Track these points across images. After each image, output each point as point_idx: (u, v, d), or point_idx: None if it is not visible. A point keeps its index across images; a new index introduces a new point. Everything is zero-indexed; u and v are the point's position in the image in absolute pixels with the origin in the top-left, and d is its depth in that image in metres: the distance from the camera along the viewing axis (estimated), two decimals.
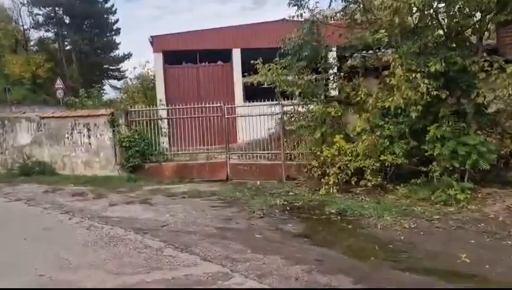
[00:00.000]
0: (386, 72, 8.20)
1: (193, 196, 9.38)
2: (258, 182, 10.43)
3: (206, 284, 4.53)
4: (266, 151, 11.53)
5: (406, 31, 8.24)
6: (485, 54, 7.80)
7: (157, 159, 12.18)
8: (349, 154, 8.72)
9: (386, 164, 8.40)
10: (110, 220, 7.38)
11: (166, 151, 12.50)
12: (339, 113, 9.30)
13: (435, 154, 7.62)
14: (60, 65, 36.50)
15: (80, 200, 9.31)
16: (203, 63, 20.24)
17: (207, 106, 12.03)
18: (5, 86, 28.70)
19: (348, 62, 10.02)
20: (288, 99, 11.33)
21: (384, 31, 7.45)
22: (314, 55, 9.41)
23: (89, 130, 12.55)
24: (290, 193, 9.15)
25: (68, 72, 36.39)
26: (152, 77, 25.70)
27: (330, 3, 9.50)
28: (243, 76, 17.13)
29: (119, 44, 42.75)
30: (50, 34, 40.07)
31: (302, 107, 10.14)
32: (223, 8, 71.55)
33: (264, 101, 11.78)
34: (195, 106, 12.35)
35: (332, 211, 7.42)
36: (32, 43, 40.79)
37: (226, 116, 11.82)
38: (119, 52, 42.78)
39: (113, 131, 12.17)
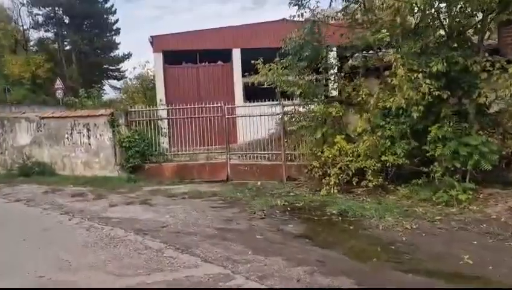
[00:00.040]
0: (387, 72, 8.18)
1: (193, 197, 9.34)
2: (259, 183, 10.40)
3: (207, 285, 4.50)
4: (267, 152, 11.50)
5: (407, 31, 8.22)
6: (486, 54, 7.75)
7: (157, 159, 12.14)
8: (350, 155, 8.68)
9: (387, 165, 8.37)
10: (110, 221, 7.34)
11: (166, 152, 12.46)
12: (340, 114, 9.26)
13: (436, 154, 7.59)
14: (60, 65, 36.43)
15: (80, 201, 9.28)
16: (203, 63, 20.18)
17: (207, 106, 12.00)
18: (4, 86, 28.65)
19: (349, 62, 9.99)
20: (288, 99, 11.31)
21: (386, 30, 7.41)
22: (315, 55, 9.38)
23: (88, 130, 12.52)
24: (291, 194, 9.12)
25: (68, 72, 36.33)
26: (152, 77, 25.65)
27: (331, 3, 9.50)
28: (243, 76, 17.08)
29: (119, 44, 42.72)
30: (50, 34, 40.04)
31: (303, 107, 10.11)
32: (223, 8, 71.57)
33: (264, 101, 11.74)
34: (196, 106, 12.31)
35: (334, 211, 7.39)
36: (31, 43, 40.73)
37: (227, 117, 11.79)
38: (119, 52, 42.77)
39: (113, 131, 12.13)
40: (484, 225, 6.18)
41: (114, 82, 42.69)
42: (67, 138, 12.78)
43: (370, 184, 8.34)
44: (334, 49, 10.93)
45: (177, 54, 19.47)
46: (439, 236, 5.90)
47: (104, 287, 4.59)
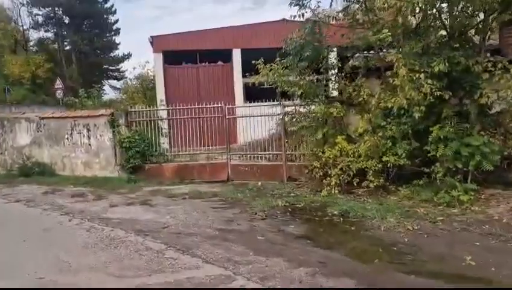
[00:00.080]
0: (389, 73, 8.16)
1: (194, 197, 9.31)
2: (259, 183, 10.37)
3: (208, 287, 4.47)
4: (267, 152, 11.48)
5: (408, 31, 8.20)
6: (488, 55, 7.73)
7: (157, 159, 12.11)
8: (351, 155, 8.66)
9: (388, 165, 8.35)
10: (111, 222, 7.31)
11: (166, 152, 12.42)
12: (341, 114, 9.22)
13: (437, 155, 7.56)
14: (60, 65, 36.41)
15: (80, 202, 9.24)
16: (203, 63, 20.15)
17: (208, 106, 11.97)
18: (4, 86, 28.63)
19: (350, 62, 9.96)
20: (289, 99, 11.28)
21: (387, 30, 7.38)
22: (316, 56, 9.36)
23: (88, 130, 12.48)
24: (292, 194, 9.09)
25: (68, 72, 36.31)
26: (152, 77, 25.62)
27: (331, 3, 9.47)
28: (244, 76, 17.06)
29: (118, 44, 42.70)
30: (49, 34, 40.01)
31: (304, 107, 10.08)
32: (222, 8, 71.54)
33: (264, 101, 11.71)
34: (196, 106, 12.29)
35: (335, 212, 7.36)
36: (31, 43, 40.71)
37: (227, 117, 11.76)
38: (119, 52, 42.75)
39: (113, 131, 12.10)
40: (486, 226, 6.15)
41: (114, 82, 42.74)
42: (67, 138, 12.75)
43: (371, 185, 8.31)
44: (335, 49, 10.90)
45: (177, 54, 19.44)
46: (441, 237, 5.87)
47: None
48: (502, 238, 5.63)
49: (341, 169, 8.66)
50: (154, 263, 5.20)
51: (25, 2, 38.12)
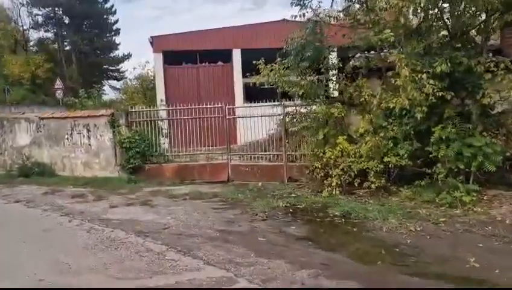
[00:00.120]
0: (390, 73, 8.12)
1: (194, 198, 9.27)
2: (260, 184, 10.33)
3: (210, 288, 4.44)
4: (268, 153, 11.44)
5: (409, 31, 8.17)
6: (490, 55, 7.70)
7: (157, 160, 12.06)
8: (353, 156, 8.62)
9: (390, 166, 8.31)
10: (111, 223, 7.27)
11: (166, 152, 12.38)
12: (342, 114, 9.19)
13: (439, 155, 7.54)
14: (60, 65, 36.37)
15: (80, 202, 9.20)
16: (203, 64, 20.10)
17: (208, 106, 11.93)
18: (4, 86, 28.58)
19: (351, 62, 9.93)
20: (289, 99, 11.24)
21: (389, 31, 7.34)
22: (317, 56, 9.32)
23: (88, 130, 12.43)
24: (293, 195, 9.05)
25: (68, 72, 36.27)
26: (152, 78, 25.59)
27: (332, 3, 9.45)
28: (245, 76, 17.02)
29: (118, 44, 42.67)
30: (49, 35, 39.97)
31: (305, 108, 10.04)
32: (222, 8, 71.52)
33: (264, 101, 11.67)
34: (196, 106, 12.25)
35: (336, 213, 7.32)
36: (31, 43, 40.68)
37: (227, 117, 11.72)
38: (119, 52, 42.73)
39: (113, 132, 12.05)
40: (489, 227, 6.12)
41: (114, 82, 42.75)
42: (67, 139, 12.71)
43: (372, 185, 8.27)
44: (335, 49, 10.86)
45: (177, 54, 19.40)
46: (444, 238, 5.84)
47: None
48: (506, 240, 5.59)
49: (342, 170, 8.62)
50: (155, 265, 5.16)
51: (24, 2, 38.16)
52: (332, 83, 10.21)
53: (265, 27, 18.86)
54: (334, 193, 8.57)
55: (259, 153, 11.62)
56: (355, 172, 8.50)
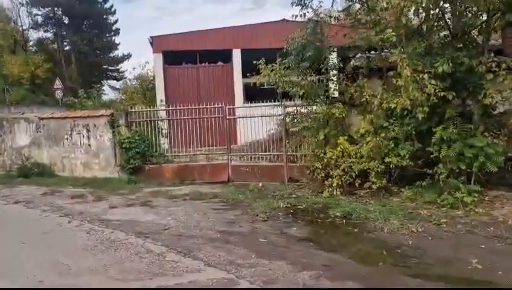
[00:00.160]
0: (391, 73, 8.09)
1: (194, 198, 9.23)
2: (260, 184, 10.29)
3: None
4: (268, 153, 11.40)
5: (411, 31, 8.14)
6: (492, 55, 7.67)
7: (157, 160, 12.03)
8: (353, 156, 8.61)
9: (391, 166, 8.28)
10: (111, 224, 7.23)
11: (166, 153, 12.34)
12: (343, 115, 9.18)
13: (440, 156, 7.51)
14: (59, 65, 36.30)
15: (80, 203, 9.15)
16: (203, 64, 20.06)
17: (208, 106, 11.90)
18: (3, 86, 28.52)
19: (352, 62, 9.90)
20: (289, 100, 11.22)
21: (391, 30, 7.31)
22: (318, 56, 9.29)
23: (88, 131, 12.39)
24: (293, 195, 9.03)
25: (67, 72, 36.21)
26: (151, 78, 25.54)
27: (333, 3, 9.43)
28: (245, 77, 16.99)
29: (118, 44, 42.60)
30: (49, 35, 39.88)
31: (305, 108, 10.01)
32: (222, 8, 71.48)
33: (264, 101, 11.64)
34: (196, 106, 12.21)
35: (337, 214, 7.29)
36: (31, 43, 40.58)
37: (228, 117, 11.69)
38: (119, 52, 42.66)
39: (113, 132, 12.00)
40: (491, 228, 6.09)
41: (113, 82, 42.64)
42: (67, 139, 12.66)
43: (373, 186, 8.25)
44: (335, 49, 10.83)
45: (177, 54, 19.36)
46: (446, 240, 5.81)
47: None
48: (508, 241, 5.56)
49: (343, 170, 8.60)
50: (155, 266, 5.12)
51: (24, 2, 38.05)
52: (333, 83, 10.18)
53: (265, 27, 18.82)
54: (334, 193, 8.55)
55: (260, 154, 11.59)
56: (356, 172, 8.48)
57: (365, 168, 8.39)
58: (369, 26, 8.74)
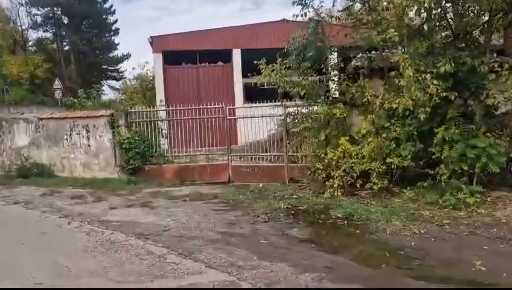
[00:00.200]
0: (393, 73, 8.05)
1: (195, 199, 9.18)
2: (261, 185, 10.24)
3: None
4: (269, 153, 11.36)
5: (412, 30, 8.10)
6: (494, 55, 7.63)
7: (157, 161, 11.98)
8: (355, 157, 8.56)
9: (392, 167, 8.24)
10: (111, 225, 7.18)
11: (166, 153, 12.29)
12: (344, 115, 9.13)
13: (442, 156, 7.46)
14: (59, 65, 36.22)
15: (79, 204, 9.10)
16: (203, 64, 20.04)
17: (208, 107, 11.85)
18: (3, 86, 28.44)
19: (353, 63, 9.85)
20: (289, 100, 11.17)
21: (393, 30, 7.26)
22: (319, 56, 9.23)
23: (88, 131, 12.33)
24: (294, 196, 8.98)
25: (66, 72, 36.12)
26: (151, 78, 25.49)
27: (334, 3, 9.38)
28: (245, 76, 16.94)
29: (118, 44, 42.54)
30: (48, 35, 39.78)
31: (306, 108, 9.96)
32: (222, 9, 71.40)
33: (264, 102, 11.60)
34: (197, 107, 12.17)
35: (339, 215, 7.24)
36: (30, 43, 40.46)
37: (228, 118, 11.64)
38: (118, 52, 42.57)
39: (113, 132, 11.95)
40: (494, 230, 6.04)
41: (113, 82, 42.54)
42: (66, 139, 12.61)
43: (375, 187, 8.20)
44: (336, 49, 10.78)
45: (177, 54, 19.33)
46: (448, 241, 5.76)
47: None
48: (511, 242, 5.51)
49: (344, 171, 8.55)
50: (156, 268, 5.07)
51: (23, 2, 37.92)
52: (334, 83, 10.13)
53: (265, 27, 18.80)
54: (336, 194, 8.51)
55: (260, 154, 11.54)
56: (358, 173, 8.44)
57: (366, 168, 8.35)
58: (370, 26, 8.69)
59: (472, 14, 7.89)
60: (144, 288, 4.51)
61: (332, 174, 8.74)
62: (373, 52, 9.74)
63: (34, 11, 38.49)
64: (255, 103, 11.83)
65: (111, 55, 42.92)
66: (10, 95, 28.12)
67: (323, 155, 8.95)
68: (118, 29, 42.04)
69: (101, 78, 43.15)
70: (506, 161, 7.39)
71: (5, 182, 12.25)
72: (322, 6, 9.32)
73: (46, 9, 38.47)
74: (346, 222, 6.91)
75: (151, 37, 19.51)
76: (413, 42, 7.77)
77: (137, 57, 47.09)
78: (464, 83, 7.69)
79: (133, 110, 12.49)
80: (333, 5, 9.51)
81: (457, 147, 7.31)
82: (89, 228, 7.06)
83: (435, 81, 6.97)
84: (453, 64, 7.10)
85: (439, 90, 7.01)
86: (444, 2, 7.82)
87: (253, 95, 16.08)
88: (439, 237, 5.88)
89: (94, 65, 41.05)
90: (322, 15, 9.34)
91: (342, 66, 10.06)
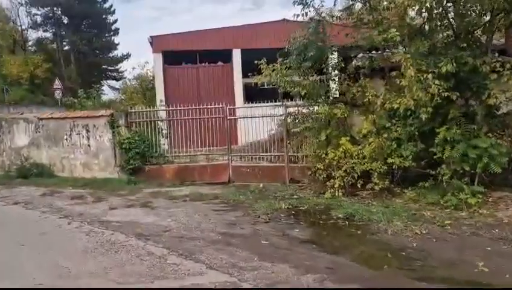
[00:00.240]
0: (394, 73, 8.02)
1: (195, 199, 9.15)
2: (261, 185, 10.22)
3: None
4: (269, 154, 11.33)
5: (414, 30, 8.07)
6: (496, 55, 7.60)
7: (157, 161, 11.96)
8: (356, 157, 8.53)
9: (393, 167, 8.21)
10: (111, 225, 7.14)
11: (166, 153, 12.26)
12: (345, 115, 9.10)
13: (444, 157, 7.43)
14: (58, 65, 36.17)
15: (79, 204, 9.07)
16: (203, 64, 20.00)
17: (209, 107, 11.83)
18: (2, 86, 28.40)
19: (353, 62, 9.82)
20: (290, 100, 11.14)
21: (395, 30, 7.23)
22: (320, 55, 9.20)
23: (88, 131, 12.30)
24: (295, 196, 8.95)
25: (66, 72, 36.07)
26: (151, 78, 25.46)
27: (335, 2, 9.35)
28: (246, 76, 16.91)
29: (117, 44, 42.49)
30: (48, 34, 39.71)
31: (307, 108, 9.93)
32: (222, 9, 71.39)
33: (264, 102, 11.57)
34: (197, 107, 12.14)
35: (340, 215, 7.21)
36: (30, 43, 40.41)
37: (228, 118, 11.61)
38: (118, 52, 42.54)
39: (113, 132, 11.92)
40: (496, 230, 6.01)
41: (113, 82, 42.48)
42: (66, 139, 12.57)
43: (376, 187, 8.17)
44: (337, 49, 10.75)
45: (177, 54, 19.29)
46: (450, 242, 5.73)
47: None
48: None
49: (345, 171, 8.53)
50: (156, 269, 5.04)
51: (23, 2, 37.86)
52: (335, 83, 10.09)
53: (265, 27, 18.77)
54: (336, 194, 8.48)
55: (261, 154, 11.52)
56: (358, 173, 8.41)
57: (367, 169, 8.32)
58: (371, 26, 8.66)
59: (473, 14, 7.85)
60: (144, 288, 4.49)
61: (333, 174, 8.71)
62: (374, 52, 9.71)
63: (33, 11, 38.50)
64: (255, 103, 11.81)
65: (111, 55, 42.88)
66: (10, 95, 28.08)
67: (324, 155, 8.92)
68: (118, 29, 42.05)
69: (101, 78, 43.11)
70: (507, 161, 7.35)
71: (4, 182, 12.22)
72: (322, 5, 9.33)
73: (46, 9, 38.42)
74: (347, 222, 6.88)
75: (151, 37, 19.47)
76: (414, 42, 7.73)
77: (137, 57, 47.13)
78: (465, 83, 7.66)
79: (133, 110, 12.47)
80: (334, 5, 9.53)
81: (458, 147, 7.28)
82: (89, 228, 7.03)
83: (437, 81, 6.94)
84: (454, 64, 7.07)
85: (441, 90, 6.98)
86: (445, 2, 7.79)
87: (253, 95, 16.05)
88: (441, 238, 5.85)
89: (94, 65, 41.02)
90: (323, 15, 9.32)
91: (343, 66, 10.02)
